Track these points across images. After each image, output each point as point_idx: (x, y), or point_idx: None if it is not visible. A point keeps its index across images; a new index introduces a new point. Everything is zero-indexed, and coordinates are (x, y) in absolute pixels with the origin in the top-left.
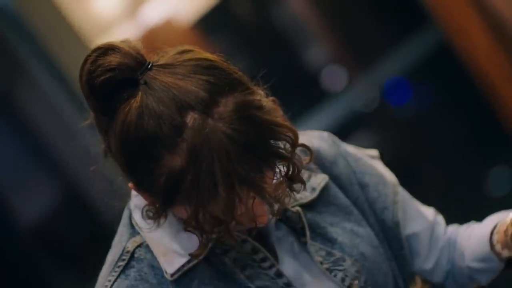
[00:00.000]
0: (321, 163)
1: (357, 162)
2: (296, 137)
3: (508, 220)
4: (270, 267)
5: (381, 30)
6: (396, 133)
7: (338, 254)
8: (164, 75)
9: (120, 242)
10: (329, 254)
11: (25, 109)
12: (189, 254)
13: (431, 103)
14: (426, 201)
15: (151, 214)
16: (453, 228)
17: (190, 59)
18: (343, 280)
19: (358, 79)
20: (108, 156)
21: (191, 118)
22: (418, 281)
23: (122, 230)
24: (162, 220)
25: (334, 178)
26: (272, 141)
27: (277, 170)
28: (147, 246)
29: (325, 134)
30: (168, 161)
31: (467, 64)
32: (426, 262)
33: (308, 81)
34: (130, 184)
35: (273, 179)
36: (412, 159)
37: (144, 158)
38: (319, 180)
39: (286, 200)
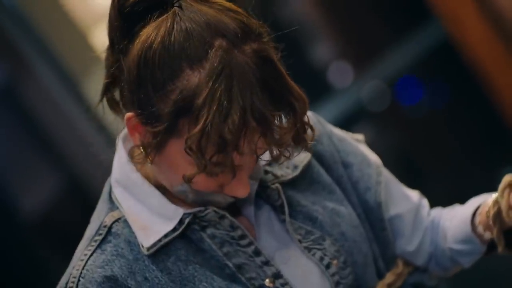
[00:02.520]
0: None
1: (341, 141)
2: (306, 101)
3: (490, 202)
4: (249, 244)
5: (385, 26)
6: (403, 131)
7: (317, 233)
8: (199, 4)
9: (98, 217)
10: (308, 232)
11: (26, 100)
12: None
13: (436, 101)
14: (433, 200)
15: (138, 150)
16: (437, 210)
17: (224, 2)
18: (321, 259)
19: (363, 75)
20: (103, 101)
21: (220, 42)
22: (400, 264)
23: (101, 205)
24: (148, 160)
25: (318, 156)
26: (287, 90)
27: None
28: (125, 221)
29: (309, 113)
30: (187, 76)
31: (468, 59)
32: (409, 243)
33: (313, 77)
34: (129, 116)
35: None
36: (418, 158)
37: (162, 72)
38: (301, 158)
39: (286, 153)
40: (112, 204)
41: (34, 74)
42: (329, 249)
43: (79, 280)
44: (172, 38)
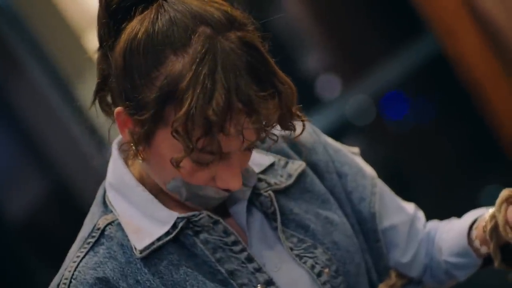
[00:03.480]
0: (299, 150)
1: (336, 152)
2: (292, 87)
3: (487, 217)
4: (241, 251)
5: (378, 39)
6: (390, 145)
7: (309, 241)
8: None
9: (92, 220)
10: (300, 240)
11: (15, 101)
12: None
13: (426, 116)
14: None
15: (129, 147)
16: (434, 223)
17: None
18: (313, 267)
19: (351, 88)
20: (95, 104)
21: (203, 29)
22: (393, 276)
23: (94, 208)
24: (139, 158)
25: (312, 165)
26: (272, 74)
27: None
28: (118, 224)
29: (305, 123)
30: (171, 62)
31: (462, 74)
32: (403, 255)
33: (301, 89)
34: (118, 110)
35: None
36: (405, 173)
37: (147, 60)
38: (296, 166)
39: (273, 137)
40: (106, 208)
41: (25, 75)
42: (321, 257)
43: (70, 282)
44: (156, 27)
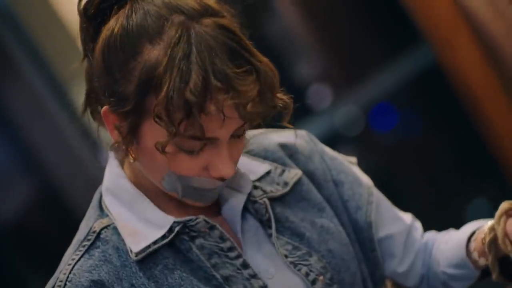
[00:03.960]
0: (296, 158)
1: (333, 160)
2: (271, 66)
3: (486, 229)
4: (237, 257)
5: (372, 48)
6: (382, 156)
7: (304, 249)
8: None
9: (87, 223)
10: (295, 248)
11: (7, 102)
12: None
13: (417, 127)
14: None
15: (118, 146)
16: (431, 234)
17: None
18: (307, 274)
19: (345, 98)
20: (87, 111)
21: (177, 17)
22: (389, 286)
23: (90, 212)
24: (130, 158)
25: (309, 173)
26: (249, 52)
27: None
28: (114, 228)
29: (303, 132)
30: (147, 51)
31: (457, 86)
32: (400, 264)
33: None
34: (103, 109)
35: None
36: (393, 184)
37: (124, 52)
38: (292, 175)
39: (255, 117)
40: (102, 212)
41: (19, 75)
42: (315, 265)
43: (65, 284)
44: (131, 21)
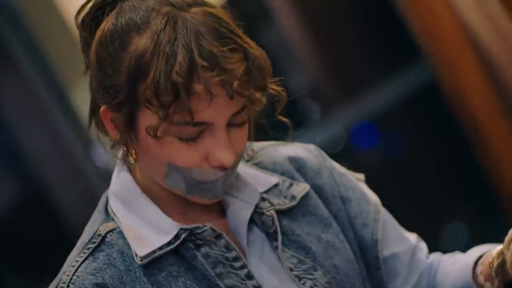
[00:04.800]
0: (305, 173)
1: (341, 176)
2: (260, 50)
3: (494, 253)
4: (242, 267)
5: (369, 65)
6: (380, 175)
7: (310, 263)
8: None
9: (92, 226)
10: (300, 262)
11: (3, 99)
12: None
13: (410, 147)
14: None
15: (118, 144)
16: (437, 255)
17: None
18: None
19: (337, 113)
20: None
21: (165, 7)
22: None
23: (96, 215)
24: (131, 159)
25: (317, 188)
26: (236, 35)
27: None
28: (119, 232)
29: (312, 146)
30: (135, 41)
31: (457, 105)
32: (404, 284)
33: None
34: (102, 109)
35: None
36: (386, 203)
37: (114, 46)
38: (300, 188)
39: (245, 92)
40: (107, 216)
41: (19, 73)
42: (320, 279)
43: (68, 286)
44: (120, 17)
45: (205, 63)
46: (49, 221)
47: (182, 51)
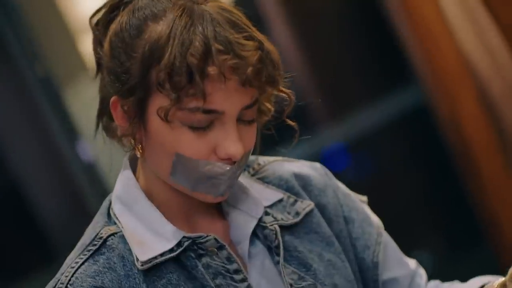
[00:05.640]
0: (310, 190)
1: (345, 196)
2: (271, 45)
3: (495, 285)
4: (242, 280)
5: (359, 83)
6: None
7: (310, 280)
8: None
9: (94, 228)
10: (301, 278)
11: None
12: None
13: (375, 170)
14: None
15: (126, 136)
16: (435, 282)
17: None
18: None
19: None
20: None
21: (181, 0)
22: None
23: (98, 218)
24: (137, 152)
25: (321, 207)
26: (250, 28)
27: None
28: (121, 237)
29: (318, 164)
30: (151, 29)
31: (447, 131)
32: None
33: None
34: (112, 100)
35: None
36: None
37: (130, 34)
38: (304, 205)
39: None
40: (110, 220)
41: (14, 70)
42: None
43: (66, 287)
44: (137, 10)
45: (220, 47)
46: (28, 216)
47: (198, 36)
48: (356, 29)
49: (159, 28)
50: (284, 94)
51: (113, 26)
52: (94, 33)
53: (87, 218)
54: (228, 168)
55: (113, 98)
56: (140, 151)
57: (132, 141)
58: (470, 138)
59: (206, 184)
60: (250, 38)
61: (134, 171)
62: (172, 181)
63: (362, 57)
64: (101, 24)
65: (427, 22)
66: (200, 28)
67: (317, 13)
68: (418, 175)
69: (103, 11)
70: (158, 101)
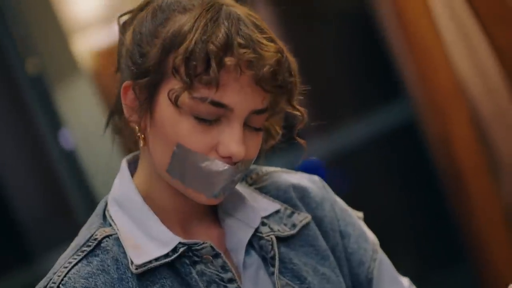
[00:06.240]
0: (307, 203)
1: (342, 211)
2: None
3: None
4: None
5: (345, 97)
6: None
7: None
8: None
9: (89, 229)
10: None
11: None
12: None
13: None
14: None
15: (131, 121)
16: None
17: None
18: None
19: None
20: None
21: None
22: None
23: (93, 219)
24: (141, 141)
25: (317, 220)
26: (271, 33)
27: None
28: (116, 239)
29: (316, 177)
30: (176, 19)
31: (435, 149)
32: None
33: None
34: (124, 84)
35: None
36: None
37: (155, 22)
38: (301, 218)
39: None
40: (105, 221)
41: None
42: None
43: (58, 287)
44: (165, 2)
45: (241, 41)
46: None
47: (222, 29)
48: (350, 44)
49: (184, 18)
50: (297, 112)
51: (138, 17)
52: (119, 34)
53: (71, 222)
54: (226, 168)
55: (126, 83)
56: (143, 138)
57: (137, 129)
58: (459, 158)
59: (201, 181)
60: (272, 40)
61: (132, 175)
62: (168, 174)
63: (353, 70)
64: (127, 25)
65: (423, 41)
66: (226, 23)
67: (310, 26)
68: (401, 193)
69: (133, 12)
70: (171, 87)
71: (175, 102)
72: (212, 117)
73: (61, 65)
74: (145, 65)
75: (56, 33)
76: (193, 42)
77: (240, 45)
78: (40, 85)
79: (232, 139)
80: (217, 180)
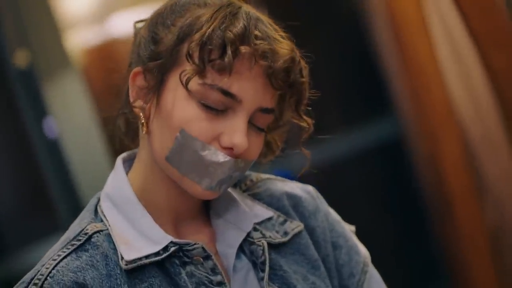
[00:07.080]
0: (300, 211)
1: (335, 222)
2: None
3: None
4: None
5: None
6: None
7: None
8: None
9: (79, 224)
10: None
11: None
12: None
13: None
14: None
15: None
16: None
17: None
18: None
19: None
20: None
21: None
22: None
23: (85, 214)
24: (143, 128)
25: (310, 230)
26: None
27: None
28: (107, 235)
29: (311, 187)
30: (194, 11)
31: (420, 166)
32: None
33: None
34: (135, 70)
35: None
36: None
37: (173, 14)
38: (293, 226)
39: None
40: (96, 216)
41: None
42: None
43: (46, 279)
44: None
45: (259, 34)
46: None
47: (241, 21)
48: (341, 56)
49: (203, 11)
50: (303, 124)
51: (156, 12)
52: (134, 30)
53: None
54: (227, 159)
55: (136, 69)
56: (146, 127)
57: (141, 115)
58: (446, 178)
59: (199, 170)
60: (288, 38)
61: (126, 173)
62: (167, 161)
63: (343, 83)
64: (143, 21)
65: (418, 59)
66: (244, 17)
67: (300, 38)
68: (383, 211)
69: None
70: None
71: (185, 85)
72: (219, 107)
73: (51, 59)
74: (159, 49)
75: (49, 27)
76: (211, 28)
77: (256, 37)
78: (29, 77)
79: (236, 130)
80: (216, 171)
